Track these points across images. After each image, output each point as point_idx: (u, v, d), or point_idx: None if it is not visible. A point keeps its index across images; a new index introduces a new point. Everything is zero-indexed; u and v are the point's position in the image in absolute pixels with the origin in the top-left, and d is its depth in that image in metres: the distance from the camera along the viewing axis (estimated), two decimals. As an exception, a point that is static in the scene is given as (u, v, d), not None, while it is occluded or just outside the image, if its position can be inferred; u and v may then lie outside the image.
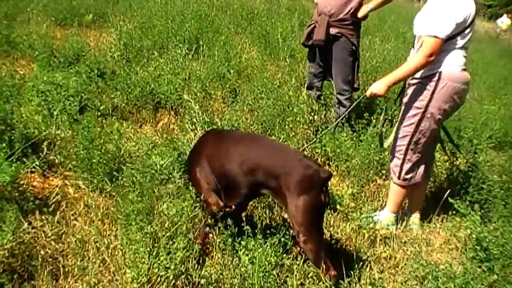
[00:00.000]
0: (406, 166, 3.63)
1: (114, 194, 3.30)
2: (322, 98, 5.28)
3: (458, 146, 4.57)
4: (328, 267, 2.67)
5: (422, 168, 3.71)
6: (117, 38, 6.64)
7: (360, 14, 4.80)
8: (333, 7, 4.77)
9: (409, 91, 3.56)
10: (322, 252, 2.69)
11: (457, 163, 5.04)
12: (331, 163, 4.53)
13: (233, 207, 2.93)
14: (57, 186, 3.40)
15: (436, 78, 3.38)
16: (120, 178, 3.45)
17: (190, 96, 4.93)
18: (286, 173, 2.65)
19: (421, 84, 3.45)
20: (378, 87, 3.43)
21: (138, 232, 2.66)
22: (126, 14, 8.36)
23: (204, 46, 6.86)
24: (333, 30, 4.79)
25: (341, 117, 4.24)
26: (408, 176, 3.67)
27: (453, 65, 3.37)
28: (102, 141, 3.61)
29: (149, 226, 2.65)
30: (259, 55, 7.41)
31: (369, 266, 3.20)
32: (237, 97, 5.46)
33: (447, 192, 4.16)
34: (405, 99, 3.60)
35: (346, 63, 4.87)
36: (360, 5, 4.79)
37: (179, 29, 7.17)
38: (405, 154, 3.60)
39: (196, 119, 4.43)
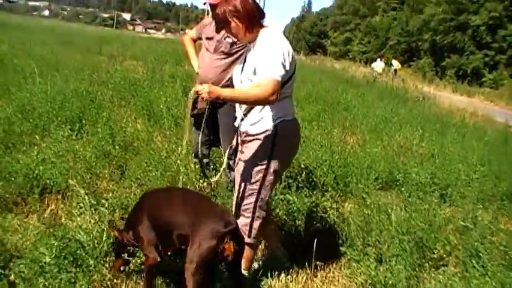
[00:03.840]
0: (256, 223, 3.57)
1: (1, 293, 3.15)
2: (210, 164, 5.34)
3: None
4: None
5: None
6: (-5, 125, 6.45)
7: None
8: (213, 75, 4.87)
9: (246, 149, 3.53)
10: None
11: (347, 209, 5.27)
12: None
13: (169, 253, 3.29)
14: None
15: (272, 133, 3.38)
16: (7, 275, 3.29)
17: (75, 179, 4.84)
18: (196, 225, 2.90)
19: (258, 140, 3.43)
20: (211, 90, 3.19)
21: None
22: (3, 98, 8.10)
23: (87, 124, 6.78)
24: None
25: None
26: (259, 232, 3.63)
27: (286, 116, 3.42)
28: (-16, 238, 3.48)
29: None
30: (144, 127, 7.40)
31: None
32: (125, 173, 5.41)
33: (340, 240, 4.36)
34: (243, 157, 3.56)
35: (232, 128, 4.94)
36: None
37: (60, 110, 7.03)
38: (253, 212, 3.53)
39: (83, 203, 4.36)
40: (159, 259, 3.19)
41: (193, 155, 5.34)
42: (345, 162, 6.45)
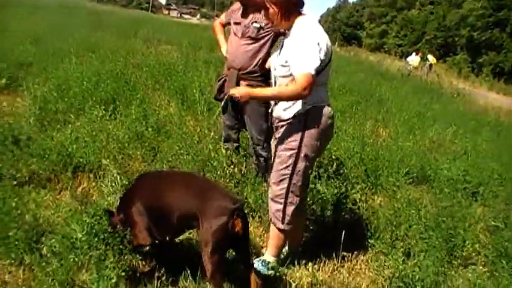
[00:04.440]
0: (289, 209, 3.56)
1: (33, 266, 3.19)
2: (240, 149, 5.34)
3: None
4: None
5: (301, 207, 3.75)
6: (32, 102, 6.54)
7: (268, 65, 4.90)
8: (241, 61, 4.89)
9: (278, 134, 3.55)
10: (219, 273, 2.91)
11: (377, 202, 5.23)
12: (254, 214, 4.56)
13: (167, 238, 3.32)
14: (-29, 263, 3.26)
15: (304, 118, 3.40)
16: (39, 249, 3.35)
17: (108, 159, 4.90)
18: (204, 204, 2.95)
19: (290, 125, 3.46)
20: (243, 92, 3.37)
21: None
22: (40, 76, 8.21)
23: (121, 106, 6.86)
24: (243, 83, 4.86)
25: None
26: (293, 219, 3.61)
27: (318, 102, 3.41)
28: (18, 212, 3.54)
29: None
30: (177, 110, 7.45)
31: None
32: (157, 155, 5.44)
33: (369, 232, 4.33)
34: (276, 142, 3.60)
35: (259, 114, 4.92)
36: (268, 56, 4.87)
37: (95, 90, 7.12)
38: (286, 198, 3.53)
39: (115, 183, 4.41)
40: (149, 241, 3.24)
41: (222, 139, 5.35)
42: (376, 155, 6.40)
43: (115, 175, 4.53)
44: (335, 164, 5.85)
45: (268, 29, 4.80)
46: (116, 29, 18.72)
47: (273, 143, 3.74)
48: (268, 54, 4.88)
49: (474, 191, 6.12)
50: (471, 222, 4.82)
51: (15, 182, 4.25)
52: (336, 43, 58.97)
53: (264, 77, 4.88)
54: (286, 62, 3.35)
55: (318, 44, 3.24)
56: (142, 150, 5.50)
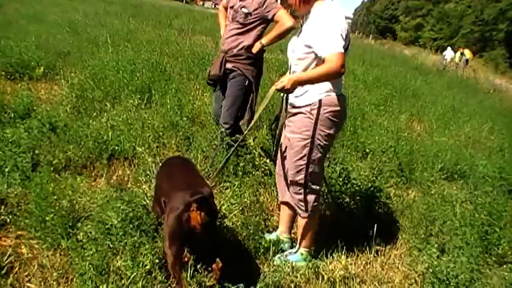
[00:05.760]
0: (311, 197, 3.59)
1: (70, 251, 3.23)
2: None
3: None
4: (179, 282, 2.86)
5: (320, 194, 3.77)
6: (69, 90, 6.62)
7: (254, 50, 4.92)
8: (227, 45, 4.96)
9: (291, 123, 3.54)
10: (178, 266, 2.88)
11: (411, 196, 5.18)
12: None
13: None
14: (9, 246, 3.31)
15: (317, 106, 3.36)
16: (75, 234, 3.39)
17: (143, 147, 4.93)
18: (169, 194, 3.02)
19: (302, 114, 3.43)
20: (291, 81, 3.20)
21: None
22: (77, 65, 8.32)
23: (156, 95, 6.91)
24: (228, 65, 4.95)
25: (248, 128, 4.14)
26: (316, 206, 3.65)
27: (331, 90, 3.37)
28: (55, 197, 3.59)
29: (105, 284, 2.63)
30: (211, 101, 7.44)
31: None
32: (191, 145, 5.46)
33: (402, 227, 4.30)
34: (288, 130, 3.58)
35: (237, 99, 4.94)
36: (255, 41, 4.92)
37: (131, 79, 7.20)
38: (305, 187, 3.56)
39: (150, 171, 4.44)
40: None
41: (215, 121, 5.38)
42: (410, 149, 6.34)
43: (150, 163, 4.57)
44: (369, 157, 5.81)
45: (257, 15, 4.84)
46: (151, 19, 18.79)
47: (284, 130, 3.70)
48: (256, 40, 4.92)
49: (510, 189, 6.01)
50: (507, 221, 4.73)
51: (52, 168, 4.30)
52: (371, 36, 58.44)
53: (249, 60, 4.94)
54: (308, 45, 3.32)
55: (340, 25, 3.21)
56: (176, 139, 5.53)
